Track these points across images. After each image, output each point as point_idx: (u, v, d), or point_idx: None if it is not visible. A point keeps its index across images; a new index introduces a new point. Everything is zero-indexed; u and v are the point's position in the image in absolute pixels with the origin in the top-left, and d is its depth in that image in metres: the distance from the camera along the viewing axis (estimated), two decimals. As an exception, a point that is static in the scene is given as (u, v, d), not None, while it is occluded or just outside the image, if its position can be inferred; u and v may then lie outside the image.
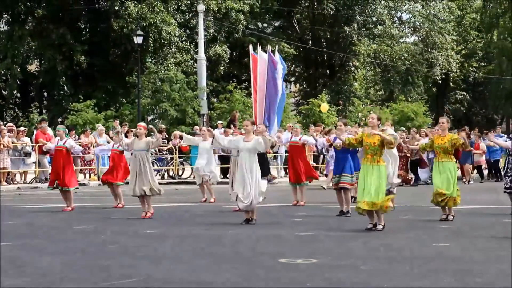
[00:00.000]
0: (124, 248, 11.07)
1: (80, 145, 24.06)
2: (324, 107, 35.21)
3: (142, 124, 16.05)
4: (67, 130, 22.89)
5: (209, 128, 19.88)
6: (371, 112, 38.80)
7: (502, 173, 17.90)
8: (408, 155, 22.54)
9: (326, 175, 23.23)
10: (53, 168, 17.81)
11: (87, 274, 8.77)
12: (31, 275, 8.63)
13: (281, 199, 19.72)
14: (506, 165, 15.99)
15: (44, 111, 39.76)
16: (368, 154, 12.76)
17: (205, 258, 9.88)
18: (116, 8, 38.33)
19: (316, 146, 24.66)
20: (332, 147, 15.97)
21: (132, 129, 22.05)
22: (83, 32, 42.87)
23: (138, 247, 11.02)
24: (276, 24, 50.72)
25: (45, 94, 41.49)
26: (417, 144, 18.42)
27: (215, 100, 41.16)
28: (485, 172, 30.65)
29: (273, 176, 28.06)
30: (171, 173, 29.55)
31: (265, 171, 22.41)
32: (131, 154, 16.02)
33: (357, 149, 14.33)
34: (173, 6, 39.18)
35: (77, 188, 18.02)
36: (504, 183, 15.87)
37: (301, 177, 18.32)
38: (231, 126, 30.54)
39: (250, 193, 13.78)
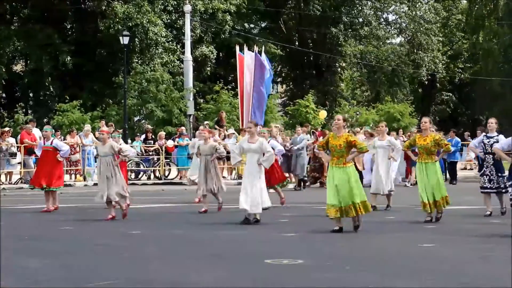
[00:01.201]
0: (110, 249, 11.05)
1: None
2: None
3: (105, 129, 15.98)
4: (53, 130, 22.80)
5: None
6: (360, 112, 39.07)
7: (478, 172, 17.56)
8: None
9: None
10: (39, 168, 17.73)
11: (73, 274, 8.75)
12: (17, 275, 8.59)
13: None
14: (483, 165, 15.78)
15: (29, 111, 39.58)
16: (334, 157, 12.57)
17: (191, 259, 9.88)
18: (103, 8, 38.21)
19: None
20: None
21: (118, 130, 22.01)
22: (69, 33, 42.73)
23: (124, 248, 11.01)
24: (263, 25, 50.72)
25: (31, 94, 41.28)
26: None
27: (201, 100, 41.11)
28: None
29: None
30: (157, 174, 29.50)
31: None
32: (97, 159, 15.75)
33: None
34: (159, 6, 39.11)
35: (60, 187, 17.96)
36: (481, 183, 15.50)
37: (275, 181, 18.33)
38: (218, 126, 30.54)
39: (255, 198, 13.79)
